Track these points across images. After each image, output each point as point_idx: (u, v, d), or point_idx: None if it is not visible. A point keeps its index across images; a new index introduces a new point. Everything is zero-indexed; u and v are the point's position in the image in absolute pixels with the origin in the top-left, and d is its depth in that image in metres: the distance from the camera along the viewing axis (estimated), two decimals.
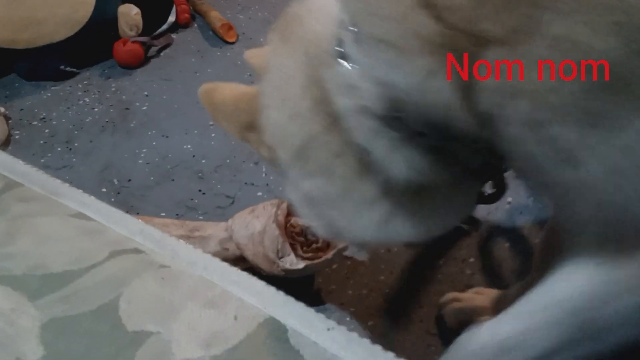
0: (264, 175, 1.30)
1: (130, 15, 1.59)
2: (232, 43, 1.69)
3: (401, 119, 0.47)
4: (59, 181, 0.54)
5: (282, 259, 0.94)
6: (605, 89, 0.40)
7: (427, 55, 0.41)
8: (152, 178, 1.28)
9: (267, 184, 1.27)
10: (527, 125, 0.43)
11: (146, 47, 1.62)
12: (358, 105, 0.49)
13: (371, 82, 0.47)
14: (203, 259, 0.46)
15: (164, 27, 1.69)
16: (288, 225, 0.95)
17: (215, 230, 1.03)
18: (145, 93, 1.52)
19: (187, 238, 1.02)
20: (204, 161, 1.33)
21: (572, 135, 0.42)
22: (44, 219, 0.50)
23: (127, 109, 1.47)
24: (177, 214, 1.21)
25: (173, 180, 1.28)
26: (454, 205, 0.60)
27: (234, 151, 1.34)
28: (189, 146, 1.36)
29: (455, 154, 0.51)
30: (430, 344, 0.90)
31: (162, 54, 1.66)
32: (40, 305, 0.43)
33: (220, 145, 1.36)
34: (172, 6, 1.71)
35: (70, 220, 0.50)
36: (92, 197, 0.51)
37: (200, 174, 1.30)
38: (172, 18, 1.71)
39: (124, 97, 1.51)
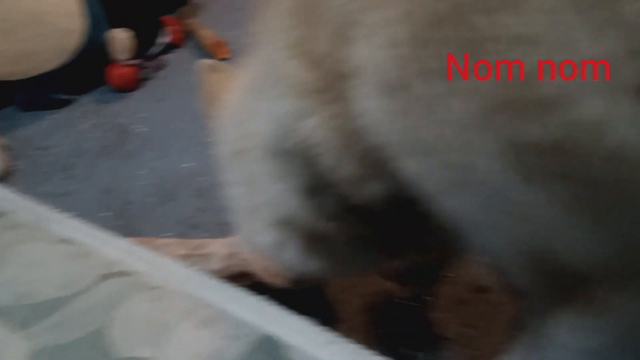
0: None
1: (120, 39, 1.59)
2: (225, 60, 1.68)
3: (282, 155, 0.51)
4: (47, 207, 0.53)
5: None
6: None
7: (300, 98, 0.45)
8: (152, 199, 1.27)
9: None
10: (392, 162, 0.42)
11: (139, 69, 1.62)
12: (256, 130, 0.54)
13: (263, 114, 0.52)
14: (197, 278, 0.45)
15: (156, 48, 1.69)
16: None
17: (218, 246, 1.02)
18: (141, 115, 1.52)
19: (190, 257, 1.00)
20: (204, 178, 1.32)
21: (411, 164, 0.41)
22: (31, 246, 0.49)
23: (124, 132, 1.47)
24: (179, 233, 1.19)
25: (174, 199, 1.27)
26: (349, 257, 0.60)
27: None
28: (187, 164, 1.35)
29: (327, 205, 0.52)
30: (446, 349, 0.88)
31: (155, 75, 1.66)
32: (28, 336, 0.41)
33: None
34: (163, 27, 1.71)
35: (59, 246, 0.49)
36: (81, 221, 0.50)
37: (200, 192, 1.28)
38: (164, 39, 1.71)
39: (120, 120, 1.51)
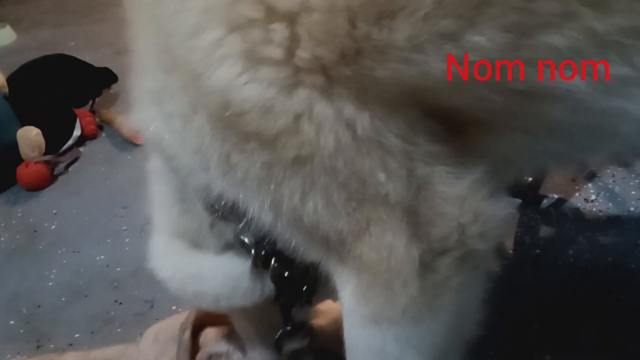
0: None
1: (30, 137, 1.56)
2: (142, 145, 1.66)
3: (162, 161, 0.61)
4: None
5: None
6: None
7: (150, 105, 0.54)
8: (63, 299, 1.20)
9: None
10: None
11: (52, 165, 1.58)
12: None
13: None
14: None
15: (70, 142, 1.66)
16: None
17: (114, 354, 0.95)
18: (54, 211, 1.46)
19: None
20: (118, 269, 1.26)
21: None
22: None
23: (35, 231, 1.40)
24: (92, 332, 1.12)
25: (86, 296, 1.20)
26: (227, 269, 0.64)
27: None
28: (102, 257, 1.29)
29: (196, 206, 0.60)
30: None
31: (70, 169, 1.62)
32: None
33: (135, 249, 1.29)
34: (76, 120, 1.69)
35: None
36: None
37: (115, 283, 1.22)
38: (77, 132, 1.68)
39: (31, 220, 1.44)
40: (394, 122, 0.40)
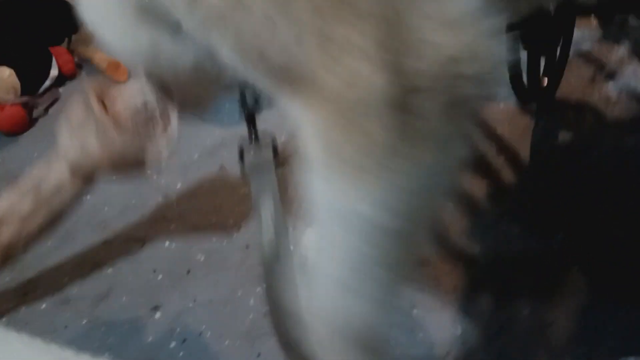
0: (175, 206, 1.16)
1: (3, 79, 1.45)
2: (124, 82, 1.55)
3: None
4: None
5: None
6: None
7: None
8: (49, 244, 1.12)
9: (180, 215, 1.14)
10: None
11: (29, 108, 1.47)
12: None
13: None
14: None
15: (47, 83, 1.55)
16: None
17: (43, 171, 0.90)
18: (34, 156, 1.36)
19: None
20: (106, 209, 1.18)
21: None
22: None
23: (16, 178, 1.32)
24: (82, 276, 1.06)
25: (74, 238, 1.13)
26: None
27: (140, 188, 1.19)
28: (87, 197, 1.21)
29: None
30: None
31: (49, 111, 1.52)
32: None
33: (123, 187, 1.21)
34: (52, 59, 1.57)
35: None
36: None
37: (103, 224, 1.15)
38: (54, 72, 1.57)
39: (11, 166, 1.36)
40: None
